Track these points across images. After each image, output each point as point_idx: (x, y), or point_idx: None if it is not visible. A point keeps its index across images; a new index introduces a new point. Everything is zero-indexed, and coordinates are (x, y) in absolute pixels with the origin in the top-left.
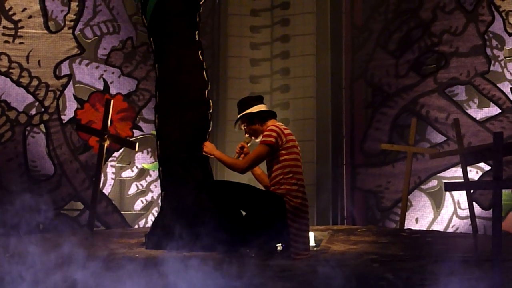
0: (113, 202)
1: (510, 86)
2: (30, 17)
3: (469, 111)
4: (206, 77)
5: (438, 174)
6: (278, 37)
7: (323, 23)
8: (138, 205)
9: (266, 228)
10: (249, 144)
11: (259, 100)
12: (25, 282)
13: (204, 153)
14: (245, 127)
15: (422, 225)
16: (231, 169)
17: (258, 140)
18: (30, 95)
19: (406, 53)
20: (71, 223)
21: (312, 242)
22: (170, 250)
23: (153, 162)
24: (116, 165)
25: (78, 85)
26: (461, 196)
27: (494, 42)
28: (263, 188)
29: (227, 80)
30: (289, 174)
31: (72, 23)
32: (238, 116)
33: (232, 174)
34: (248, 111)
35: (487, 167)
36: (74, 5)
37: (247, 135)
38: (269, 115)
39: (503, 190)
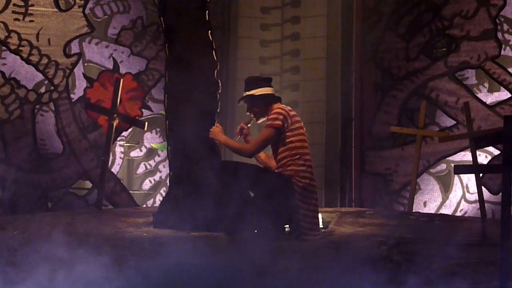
0: (122, 181)
1: None
2: None
3: (479, 95)
4: (215, 57)
5: (447, 158)
6: (288, 18)
7: (334, 5)
8: (147, 184)
9: (274, 209)
10: (249, 125)
11: (267, 82)
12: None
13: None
14: (248, 106)
15: (430, 209)
16: (238, 154)
17: (259, 122)
18: (40, 73)
19: (416, 36)
20: (79, 202)
21: (320, 224)
22: (178, 229)
23: (161, 142)
24: (125, 144)
25: (87, 64)
26: (469, 180)
27: (505, 26)
28: None
29: (237, 61)
30: (296, 156)
31: (82, 2)
32: (244, 94)
33: (239, 156)
34: (253, 91)
35: (496, 152)
36: None
37: (249, 114)
38: (273, 99)
39: None
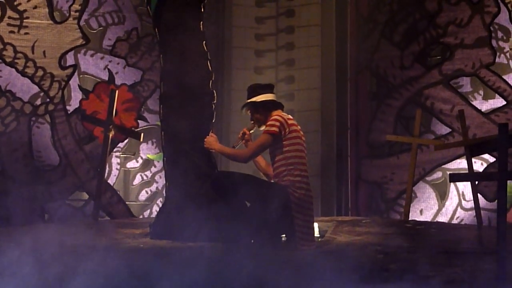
0: (118, 192)
1: None
2: (35, 7)
3: (474, 103)
4: (210, 68)
5: (443, 166)
6: (283, 28)
7: (328, 14)
8: (143, 195)
9: (270, 219)
10: (252, 131)
11: (268, 89)
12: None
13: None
14: (250, 114)
15: (427, 217)
16: (234, 160)
17: (262, 128)
18: (35, 85)
19: (411, 45)
20: (76, 214)
21: (316, 233)
22: (175, 240)
23: (157, 153)
24: (121, 155)
25: (83, 75)
26: (465, 187)
27: (500, 34)
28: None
29: (232, 71)
30: (291, 166)
31: (77, 14)
32: (246, 101)
33: (236, 166)
34: (254, 99)
35: (492, 159)
36: None
37: (252, 122)
38: (274, 105)
39: (508, 182)
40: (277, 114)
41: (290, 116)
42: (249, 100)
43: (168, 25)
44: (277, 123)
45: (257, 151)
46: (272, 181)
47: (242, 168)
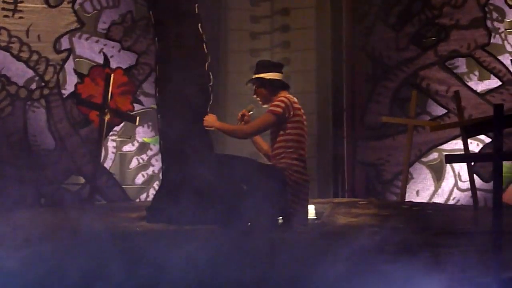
0: (114, 176)
1: (510, 58)
2: None
3: (470, 84)
4: (206, 50)
5: (439, 147)
6: (278, 10)
7: None
8: (139, 179)
9: (267, 201)
10: (251, 112)
11: (278, 67)
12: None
13: (205, 127)
14: (255, 89)
15: (423, 198)
16: (234, 136)
17: (265, 106)
18: (30, 69)
19: (406, 26)
20: (72, 197)
21: (313, 215)
22: (171, 223)
23: (154, 136)
24: (117, 139)
25: (78, 59)
26: (461, 168)
27: (495, 14)
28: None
29: (227, 53)
30: (291, 149)
31: None
32: (253, 76)
33: (233, 149)
34: (263, 75)
35: (487, 139)
36: None
37: (255, 97)
38: (282, 85)
39: (504, 162)
40: (283, 96)
41: (295, 100)
42: (257, 75)
43: (162, 7)
44: (283, 104)
45: (259, 129)
46: (270, 162)
47: (239, 151)
